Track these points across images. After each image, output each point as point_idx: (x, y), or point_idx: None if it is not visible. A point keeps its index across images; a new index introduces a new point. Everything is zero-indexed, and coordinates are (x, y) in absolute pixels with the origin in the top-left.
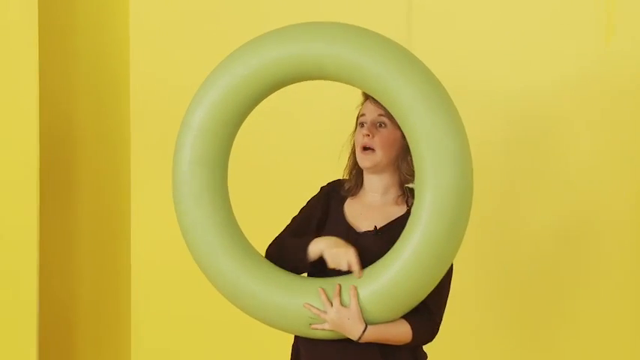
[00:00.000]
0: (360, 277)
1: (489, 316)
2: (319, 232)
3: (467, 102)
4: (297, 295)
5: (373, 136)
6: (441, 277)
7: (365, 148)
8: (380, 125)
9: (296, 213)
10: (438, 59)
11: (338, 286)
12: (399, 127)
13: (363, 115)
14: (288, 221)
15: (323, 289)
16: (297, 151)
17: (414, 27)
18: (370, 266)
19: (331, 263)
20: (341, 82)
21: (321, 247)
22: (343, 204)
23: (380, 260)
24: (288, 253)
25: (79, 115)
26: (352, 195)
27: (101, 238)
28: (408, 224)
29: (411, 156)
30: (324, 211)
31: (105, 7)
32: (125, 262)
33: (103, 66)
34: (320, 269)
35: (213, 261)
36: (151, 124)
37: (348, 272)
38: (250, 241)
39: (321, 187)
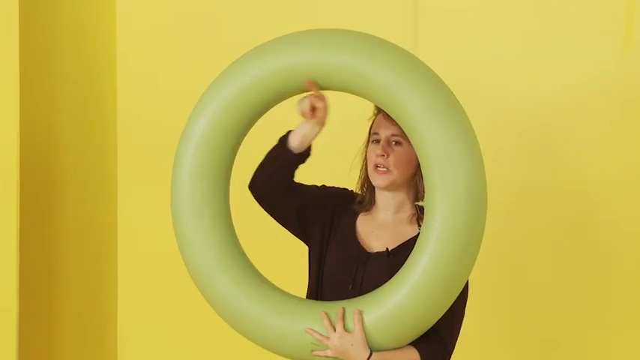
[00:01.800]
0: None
1: (499, 333)
2: (325, 237)
3: (475, 110)
4: (299, 319)
5: (388, 156)
6: (453, 301)
7: (378, 166)
8: (395, 143)
9: None
10: (445, 65)
11: (341, 310)
12: None
13: (376, 132)
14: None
15: (326, 313)
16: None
17: (420, 31)
18: (376, 289)
19: (305, 113)
20: (348, 92)
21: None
22: (355, 219)
23: (387, 283)
24: (268, 155)
25: (61, 120)
26: (365, 211)
27: (86, 247)
28: (416, 245)
29: None
30: (337, 212)
31: (90, 6)
32: (111, 274)
33: (88, 68)
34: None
35: (211, 281)
36: (139, 129)
37: (362, 289)
38: (251, 260)
39: (344, 189)
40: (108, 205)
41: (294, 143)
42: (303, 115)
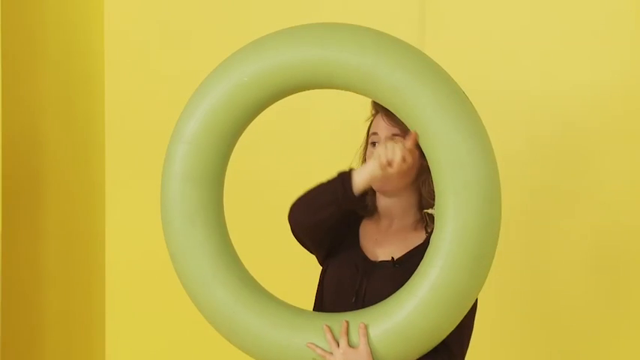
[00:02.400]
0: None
1: (513, 345)
2: (334, 243)
3: (484, 111)
4: (300, 332)
5: None
6: (464, 314)
7: None
8: None
9: None
10: (452, 63)
11: (345, 324)
12: (417, 146)
13: (374, 133)
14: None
15: (328, 326)
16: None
17: (427, 27)
18: (382, 302)
19: (384, 161)
20: (351, 91)
21: (368, 163)
22: (359, 226)
23: (393, 295)
24: (324, 191)
25: (46, 118)
26: (368, 216)
27: (72, 252)
28: (426, 255)
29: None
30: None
31: (77, 1)
32: (99, 280)
33: (75, 63)
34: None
35: (205, 292)
36: (128, 128)
37: (365, 302)
38: (248, 269)
39: None
40: (95, 209)
41: (359, 187)
42: (382, 164)
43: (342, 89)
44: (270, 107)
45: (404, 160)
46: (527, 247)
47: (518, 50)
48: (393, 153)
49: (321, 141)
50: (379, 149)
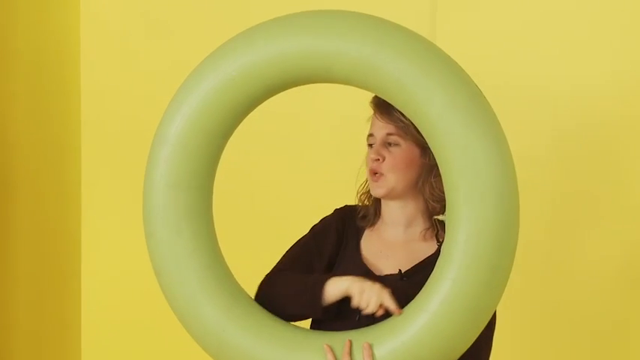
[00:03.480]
0: (399, 314)
1: None
2: (331, 267)
3: (503, 108)
4: (298, 352)
5: (383, 159)
6: (479, 332)
7: (374, 174)
8: (391, 144)
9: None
10: (467, 56)
11: (348, 343)
12: (416, 144)
13: (371, 134)
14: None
15: (329, 346)
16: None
17: (438, 15)
18: (388, 319)
19: (357, 299)
20: (352, 85)
21: (346, 283)
22: (360, 238)
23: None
24: (294, 292)
25: (17, 117)
26: (370, 226)
27: (45, 262)
28: (436, 268)
29: (436, 177)
30: (340, 239)
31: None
32: (74, 289)
33: (49, 58)
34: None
35: (193, 308)
36: (106, 128)
37: (371, 319)
38: (240, 283)
39: (335, 210)
40: (70, 215)
41: (330, 299)
42: (364, 307)
43: (341, 83)
44: (264, 105)
45: (380, 306)
46: (549, 256)
47: (541, 41)
48: (369, 301)
49: (321, 144)
50: (356, 289)
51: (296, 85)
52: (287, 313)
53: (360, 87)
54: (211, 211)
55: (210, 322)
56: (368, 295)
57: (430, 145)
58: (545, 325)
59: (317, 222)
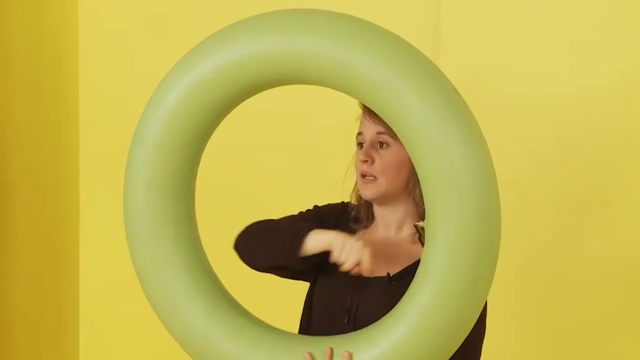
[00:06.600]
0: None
1: None
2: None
3: (507, 111)
4: (280, 358)
5: (373, 161)
6: (460, 342)
7: (364, 176)
8: (381, 145)
9: None
10: (471, 60)
11: (329, 350)
12: None
13: (360, 133)
14: None
15: (310, 353)
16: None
17: (442, 20)
18: (370, 326)
19: (337, 254)
20: (329, 88)
21: (330, 236)
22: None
23: (382, 319)
24: (275, 235)
25: (14, 117)
26: (363, 228)
27: (43, 261)
28: (415, 277)
29: None
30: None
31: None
32: (72, 291)
33: (47, 58)
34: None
35: (176, 312)
36: (104, 128)
37: (360, 322)
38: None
39: (342, 202)
40: (68, 215)
41: (308, 251)
42: (342, 262)
43: (318, 85)
44: (263, 105)
45: (358, 263)
46: (553, 256)
47: (545, 41)
48: (348, 255)
49: (321, 144)
50: (339, 243)
51: (273, 87)
52: (263, 260)
53: (337, 89)
54: (193, 213)
55: (191, 326)
56: (348, 251)
57: (408, 150)
58: (549, 324)
59: (318, 205)
